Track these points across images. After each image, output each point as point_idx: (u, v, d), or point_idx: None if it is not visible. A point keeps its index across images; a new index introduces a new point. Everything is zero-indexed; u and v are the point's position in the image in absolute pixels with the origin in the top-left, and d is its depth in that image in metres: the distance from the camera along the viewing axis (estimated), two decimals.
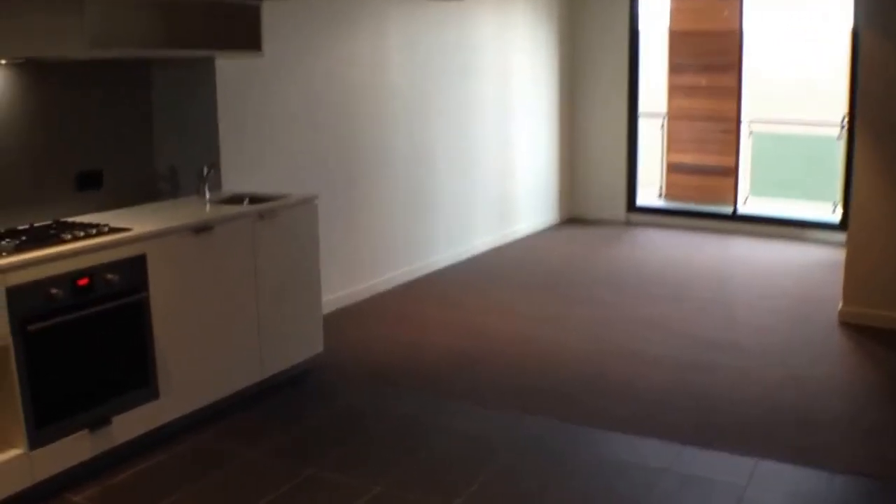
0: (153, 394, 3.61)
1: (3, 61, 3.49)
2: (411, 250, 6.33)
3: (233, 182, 4.75)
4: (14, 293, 3.06)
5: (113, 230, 3.52)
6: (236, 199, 4.41)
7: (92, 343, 3.37)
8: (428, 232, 6.51)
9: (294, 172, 5.20)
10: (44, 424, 3.21)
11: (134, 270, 3.48)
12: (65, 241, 3.32)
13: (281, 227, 4.18)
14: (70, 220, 3.82)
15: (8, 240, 3.33)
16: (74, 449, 3.32)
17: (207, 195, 4.40)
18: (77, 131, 3.94)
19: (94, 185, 4.02)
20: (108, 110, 4.07)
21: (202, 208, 4.13)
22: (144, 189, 4.27)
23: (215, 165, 4.59)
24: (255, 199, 4.39)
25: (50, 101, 3.82)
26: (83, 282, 3.29)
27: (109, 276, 3.38)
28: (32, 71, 3.73)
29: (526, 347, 4.85)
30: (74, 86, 3.91)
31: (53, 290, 3.18)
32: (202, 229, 3.76)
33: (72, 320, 3.25)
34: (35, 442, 3.18)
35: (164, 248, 3.60)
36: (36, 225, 3.71)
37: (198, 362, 3.80)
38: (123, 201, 4.16)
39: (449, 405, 4.11)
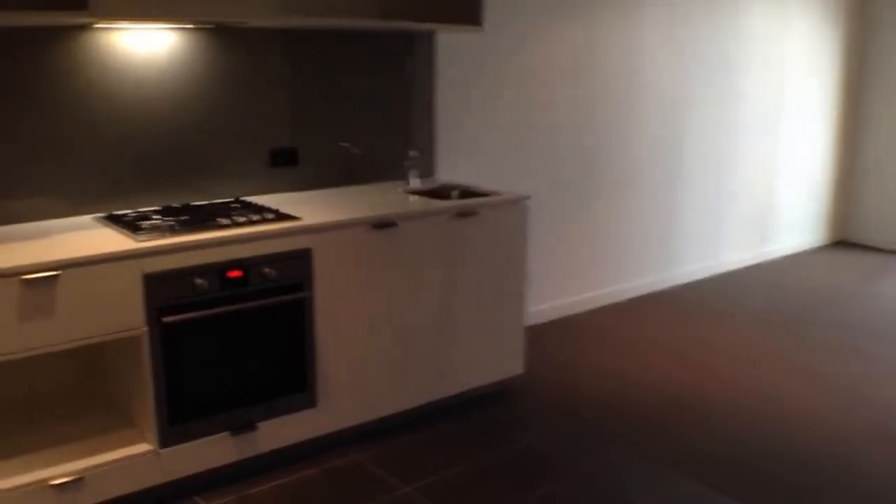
0: (310, 402, 3.06)
1: (191, 25, 3.06)
2: (646, 261, 5.38)
3: (448, 170, 4.13)
4: (152, 280, 2.61)
5: (280, 217, 2.99)
6: (444, 191, 3.77)
7: (240, 341, 2.86)
8: (668, 242, 5.51)
9: (514, 163, 4.47)
10: (177, 422, 2.75)
11: (296, 265, 2.93)
12: (221, 227, 2.84)
13: (483, 227, 3.45)
14: (252, 199, 3.38)
15: (167, 219, 2.92)
16: (211, 452, 2.85)
17: (411, 183, 3.82)
18: (273, 104, 3.47)
19: (288, 163, 3.55)
20: (309, 83, 3.55)
21: (399, 198, 3.52)
22: (344, 170, 3.73)
23: (426, 150, 3.98)
24: (465, 193, 3.73)
25: (245, 70, 3.36)
26: (234, 274, 2.79)
27: (266, 269, 2.85)
28: (226, 37, 3.28)
29: (759, 405, 3.76)
30: (273, 55, 3.43)
31: (198, 281, 2.70)
32: (383, 224, 3.15)
33: (216, 315, 2.76)
34: (166, 440, 2.74)
35: (335, 242, 3.02)
36: (217, 201, 3.30)
37: (366, 372, 3.21)
38: (319, 182, 3.65)
39: (653, 467, 3.19)
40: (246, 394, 2.91)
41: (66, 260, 2.44)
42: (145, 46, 3.10)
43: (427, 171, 4.01)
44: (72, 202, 3.03)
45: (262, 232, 2.83)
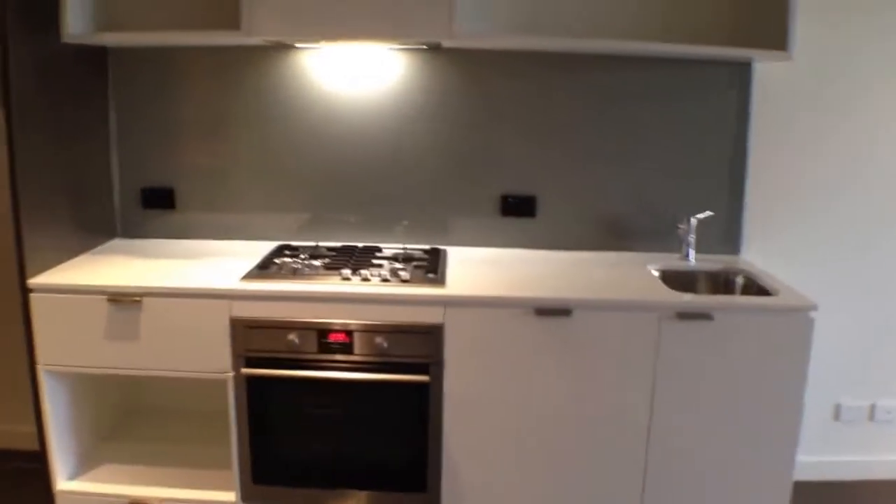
0: None
1: (395, 45, 2.54)
2: None
3: (758, 247, 2.90)
4: (240, 326, 2.24)
5: (418, 280, 2.34)
6: (725, 276, 2.66)
7: (343, 415, 2.31)
8: None
9: (851, 250, 2.97)
10: (263, 482, 2.36)
11: (423, 342, 2.25)
12: (343, 280, 2.31)
13: (726, 339, 2.27)
14: (467, 250, 2.78)
15: (312, 260, 2.50)
16: None
17: (691, 257, 2.76)
18: (508, 140, 2.77)
19: (522, 213, 2.83)
20: (559, 118, 2.76)
21: (632, 277, 2.49)
22: (598, 230, 2.84)
23: (728, 218, 2.83)
24: (754, 286, 2.56)
25: (473, 97, 2.73)
26: (336, 337, 2.25)
27: (378, 339, 2.25)
28: (450, 59, 2.70)
29: None
30: (512, 81, 2.72)
31: (291, 336, 2.26)
32: (551, 312, 2.28)
33: (310, 379, 2.27)
34: (248, 496, 2.36)
35: (479, 323, 2.25)
36: (411, 247, 2.78)
37: (519, 488, 2.38)
38: (560, 241, 2.84)
39: None
40: (350, 476, 2.37)
41: (148, 288, 2.22)
42: (352, 68, 2.71)
43: (726, 245, 2.85)
44: (267, 226, 2.82)
45: (376, 296, 2.24)
